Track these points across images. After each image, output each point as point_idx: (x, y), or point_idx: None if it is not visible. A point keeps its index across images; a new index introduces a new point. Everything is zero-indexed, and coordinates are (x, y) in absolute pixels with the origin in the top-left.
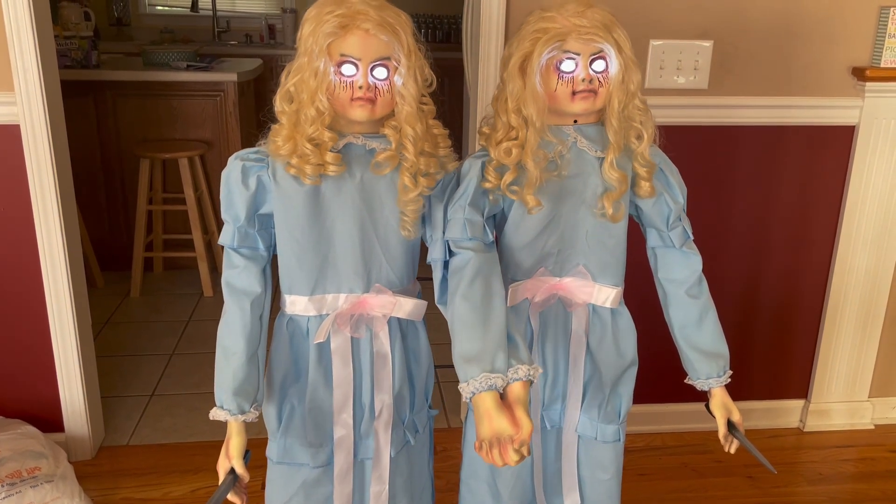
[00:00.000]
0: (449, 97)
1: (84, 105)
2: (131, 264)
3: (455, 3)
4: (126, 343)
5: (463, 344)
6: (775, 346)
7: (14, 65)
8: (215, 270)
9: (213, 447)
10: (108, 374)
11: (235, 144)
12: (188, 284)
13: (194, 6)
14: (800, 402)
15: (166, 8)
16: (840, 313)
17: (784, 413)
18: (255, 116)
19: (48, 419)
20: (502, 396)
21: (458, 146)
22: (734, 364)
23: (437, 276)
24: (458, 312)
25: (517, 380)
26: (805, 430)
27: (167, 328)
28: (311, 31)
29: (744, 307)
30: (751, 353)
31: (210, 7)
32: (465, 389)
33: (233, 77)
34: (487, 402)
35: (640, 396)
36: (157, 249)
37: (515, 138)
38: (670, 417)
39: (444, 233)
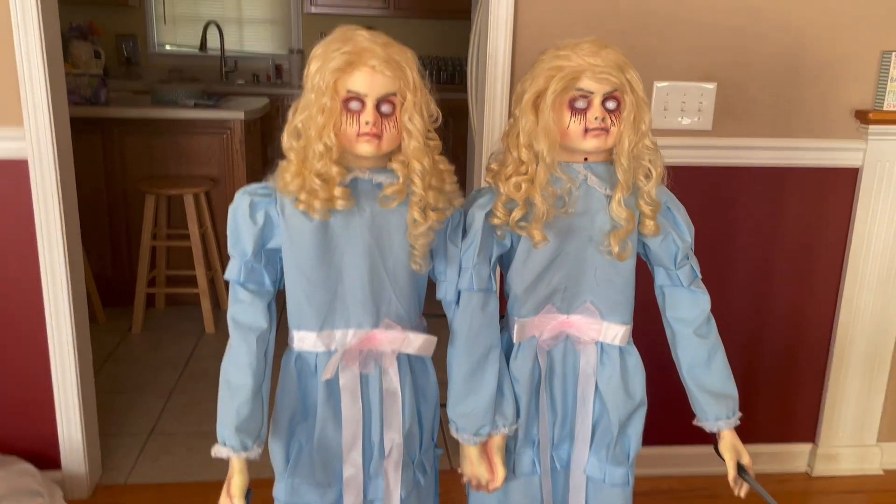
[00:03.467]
0: (453, 137)
1: (92, 141)
2: (133, 300)
3: (459, 45)
4: (126, 380)
5: (459, 401)
6: (781, 389)
7: (24, 100)
8: (218, 307)
9: (213, 487)
10: (107, 411)
11: (241, 182)
12: (190, 321)
13: (203, 46)
14: (807, 447)
15: (175, 48)
16: (847, 356)
17: (791, 457)
18: (260, 154)
19: (45, 456)
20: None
21: (463, 187)
22: (739, 406)
23: (449, 315)
24: (457, 368)
25: (499, 434)
26: (813, 476)
27: (168, 365)
28: (319, 69)
29: (748, 349)
30: (756, 396)
31: (218, 47)
32: (455, 434)
33: (240, 115)
34: (471, 451)
35: (646, 438)
36: (159, 285)
37: (525, 173)
38: (676, 460)
39: (457, 277)
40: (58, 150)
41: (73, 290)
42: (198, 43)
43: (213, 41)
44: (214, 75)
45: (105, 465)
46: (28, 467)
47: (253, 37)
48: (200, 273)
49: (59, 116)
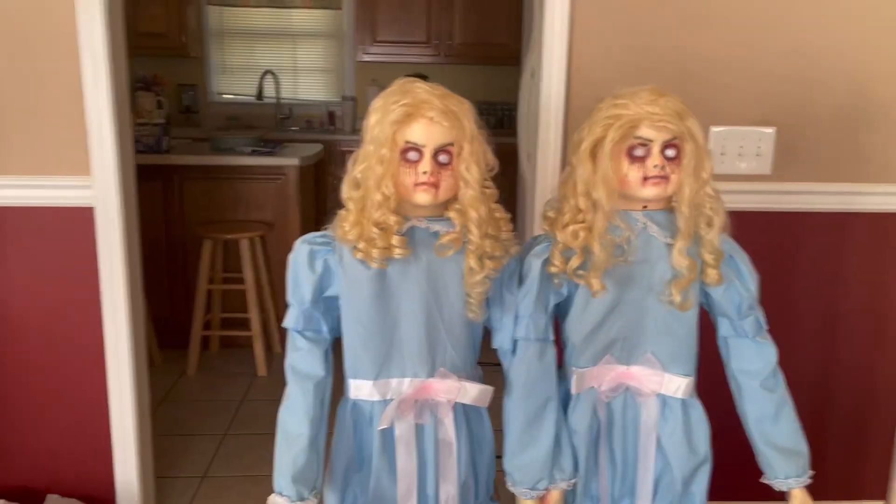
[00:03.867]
0: (502, 182)
1: (153, 188)
2: (188, 342)
3: (506, 91)
4: (179, 422)
5: (516, 453)
6: (850, 443)
7: (92, 151)
8: (270, 350)
9: None
10: (161, 453)
11: (295, 226)
12: (243, 363)
13: (259, 94)
14: None
15: (233, 96)
16: None
17: None
18: (314, 199)
19: (101, 499)
20: None
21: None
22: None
23: (505, 365)
24: (514, 420)
25: (557, 489)
26: None
27: (221, 407)
28: (378, 121)
29: (815, 402)
30: (824, 450)
31: (274, 95)
32: (511, 487)
33: (294, 161)
34: None
35: (711, 494)
36: (214, 328)
37: (583, 221)
38: None
39: (514, 326)
40: (123, 198)
41: (133, 334)
42: (254, 91)
43: (269, 89)
44: (270, 122)
45: None
46: None
47: (307, 84)
48: (254, 316)
49: (126, 166)
